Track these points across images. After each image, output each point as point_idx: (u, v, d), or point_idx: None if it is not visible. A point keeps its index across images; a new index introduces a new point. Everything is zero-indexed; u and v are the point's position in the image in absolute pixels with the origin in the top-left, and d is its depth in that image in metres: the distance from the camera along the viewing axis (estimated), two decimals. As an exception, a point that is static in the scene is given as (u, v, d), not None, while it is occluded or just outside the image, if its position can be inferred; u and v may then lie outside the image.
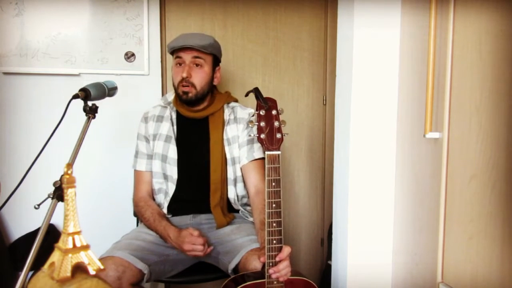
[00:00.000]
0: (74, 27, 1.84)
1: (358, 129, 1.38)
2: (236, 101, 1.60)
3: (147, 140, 1.53)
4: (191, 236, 1.28)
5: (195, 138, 1.50)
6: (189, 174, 1.49)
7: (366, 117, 1.38)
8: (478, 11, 0.99)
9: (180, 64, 1.45)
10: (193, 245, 1.27)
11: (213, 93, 1.54)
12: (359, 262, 1.41)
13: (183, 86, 1.43)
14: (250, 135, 1.45)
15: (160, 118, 1.53)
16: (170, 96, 1.56)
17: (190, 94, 1.43)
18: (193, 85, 1.43)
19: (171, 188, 1.48)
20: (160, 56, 1.94)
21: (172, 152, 1.48)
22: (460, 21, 1.06)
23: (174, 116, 1.53)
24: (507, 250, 0.90)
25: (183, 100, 1.45)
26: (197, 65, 1.44)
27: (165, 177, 1.50)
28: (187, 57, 1.43)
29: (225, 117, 1.52)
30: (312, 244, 2.23)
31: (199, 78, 1.44)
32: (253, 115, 1.13)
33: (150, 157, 1.52)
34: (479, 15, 0.99)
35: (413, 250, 1.28)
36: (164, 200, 1.51)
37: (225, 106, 1.54)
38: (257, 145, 1.49)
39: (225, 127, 1.50)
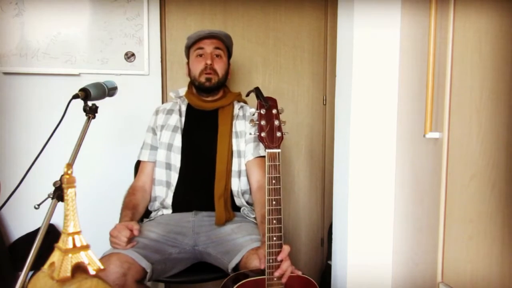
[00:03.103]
0: (74, 27, 1.84)
1: (358, 129, 1.38)
2: (245, 102, 1.66)
3: (154, 132, 1.58)
4: (122, 226, 1.29)
5: (203, 129, 1.54)
6: (195, 164, 1.51)
7: (366, 117, 1.38)
8: (478, 11, 0.99)
9: (200, 56, 1.54)
10: (118, 233, 1.26)
11: (225, 89, 1.63)
12: (359, 262, 1.41)
13: (206, 73, 1.52)
14: (250, 133, 1.46)
15: (170, 111, 1.60)
16: (182, 91, 1.63)
17: (213, 80, 1.53)
18: (215, 72, 1.53)
19: (174, 177, 1.50)
20: (160, 56, 1.94)
21: (178, 141, 1.52)
22: (460, 21, 1.06)
23: (183, 108, 1.59)
24: (507, 250, 0.90)
25: (205, 87, 1.53)
26: (216, 55, 1.55)
27: (168, 166, 1.52)
28: (209, 47, 1.53)
29: (234, 112, 1.58)
30: (312, 244, 2.23)
31: (220, 67, 1.55)
32: (253, 114, 1.14)
33: (154, 148, 1.57)
34: (479, 15, 0.99)
35: (413, 250, 1.28)
36: (168, 190, 1.51)
37: (235, 102, 1.61)
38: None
39: (234, 121, 1.56)
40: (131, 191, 1.52)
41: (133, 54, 1.90)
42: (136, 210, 1.47)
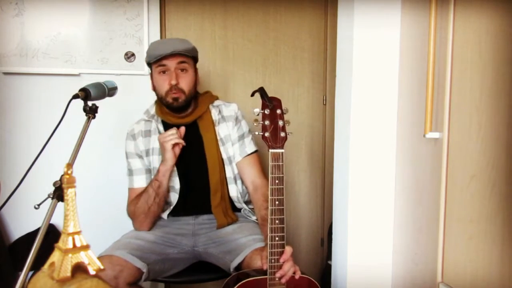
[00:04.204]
0: (74, 27, 1.84)
1: (358, 129, 1.38)
2: (217, 98, 1.58)
3: (140, 157, 1.49)
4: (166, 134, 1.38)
5: (188, 144, 1.45)
6: (190, 181, 1.48)
7: (366, 117, 1.37)
8: (478, 11, 0.99)
9: (163, 72, 1.42)
10: (169, 136, 1.37)
11: (196, 96, 1.52)
12: (359, 262, 1.41)
13: (173, 93, 1.40)
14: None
15: (147, 133, 1.50)
16: (152, 108, 1.54)
17: (180, 100, 1.41)
18: (182, 91, 1.41)
19: (174, 197, 1.48)
20: (160, 56, 1.94)
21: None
22: (460, 21, 1.06)
23: (161, 128, 1.49)
24: (507, 250, 0.90)
25: (173, 107, 1.43)
26: (182, 70, 1.42)
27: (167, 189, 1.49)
28: (172, 63, 1.40)
29: (213, 118, 1.50)
30: (312, 244, 2.23)
31: (186, 83, 1.42)
32: (258, 114, 1.13)
33: (148, 171, 1.50)
34: (479, 15, 0.99)
35: (413, 250, 1.28)
36: (167, 210, 1.50)
37: (210, 106, 1.52)
38: (247, 140, 1.49)
39: (215, 128, 1.49)
40: (134, 207, 1.43)
41: (133, 54, 1.90)
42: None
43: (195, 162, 1.48)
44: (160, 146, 1.40)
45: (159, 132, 1.48)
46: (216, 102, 1.55)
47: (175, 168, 1.46)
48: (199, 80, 1.55)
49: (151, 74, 1.48)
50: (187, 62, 1.43)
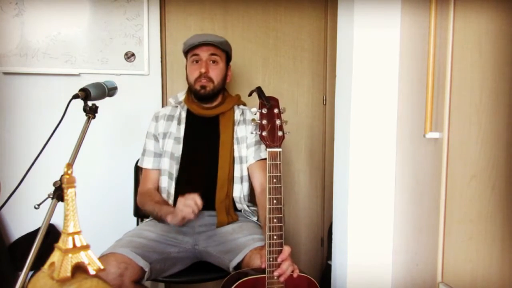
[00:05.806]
0: (74, 27, 1.84)
1: (358, 129, 1.38)
2: (245, 105, 1.65)
3: (156, 139, 1.56)
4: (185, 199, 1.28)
5: (205, 136, 1.53)
6: (197, 171, 1.50)
7: (366, 117, 1.38)
8: (478, 11, 0.99)
9: (196, 62, 1.51)
10: (185, 203, 1.27)
11: (224, 93, 1.60)
12: (359, 262, 1.41)
13: (201, 81, 1.49)
14: (251, 132, 1.47)
15: (170, 117, 1.57)
16: (181, 96, 1.61)
17: (208, 88, 1.50)
18: (211, 80, 1.50)
19: (172, 185, 1.49)
20: (160, 56, 1.94)
21: (180, 151, 1.51)
22: (460, 21, 1.06)
23: (184, 115, 1.56)
24: (507, 250, 0.90)
25: (200, 95, 1.51)
26: (213, 62, 1.51)
27: (171, 175, 1.51)
28: (204, 54, 1.50)
29: (235, 117, 1.56)
30: (312, 244, 2.23)
31: (215, 74, 1.51)
32: (255, 113, 1.14)
33: (157, 155, 1.54)
34: (479, 15, 0.99)
35: (413, 250, 1.28)
36: (167, 199, 1.51)
37: (235, 107, 1.59)
38: (264, 146, 1.51)
39: (235, 127, 1.54)
40: (143, 194, 1.51)
41: (133, 54, 1.90)
42: (165, 202, 1.47)
43: (207, 155, 1.51)
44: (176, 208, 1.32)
45: (180, 119, 1.55)
46: (242, 106, 1.62)
47: (185, 157, 1.51)
48: (231, 77, 1.63)
49: (186, 65, 1.58)
50: (218, 55, 1.52)
